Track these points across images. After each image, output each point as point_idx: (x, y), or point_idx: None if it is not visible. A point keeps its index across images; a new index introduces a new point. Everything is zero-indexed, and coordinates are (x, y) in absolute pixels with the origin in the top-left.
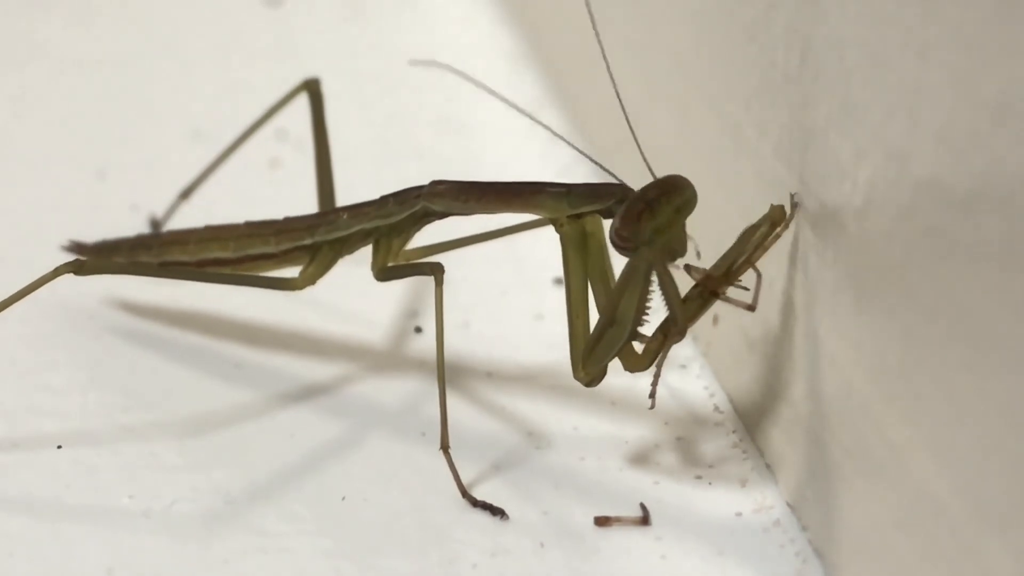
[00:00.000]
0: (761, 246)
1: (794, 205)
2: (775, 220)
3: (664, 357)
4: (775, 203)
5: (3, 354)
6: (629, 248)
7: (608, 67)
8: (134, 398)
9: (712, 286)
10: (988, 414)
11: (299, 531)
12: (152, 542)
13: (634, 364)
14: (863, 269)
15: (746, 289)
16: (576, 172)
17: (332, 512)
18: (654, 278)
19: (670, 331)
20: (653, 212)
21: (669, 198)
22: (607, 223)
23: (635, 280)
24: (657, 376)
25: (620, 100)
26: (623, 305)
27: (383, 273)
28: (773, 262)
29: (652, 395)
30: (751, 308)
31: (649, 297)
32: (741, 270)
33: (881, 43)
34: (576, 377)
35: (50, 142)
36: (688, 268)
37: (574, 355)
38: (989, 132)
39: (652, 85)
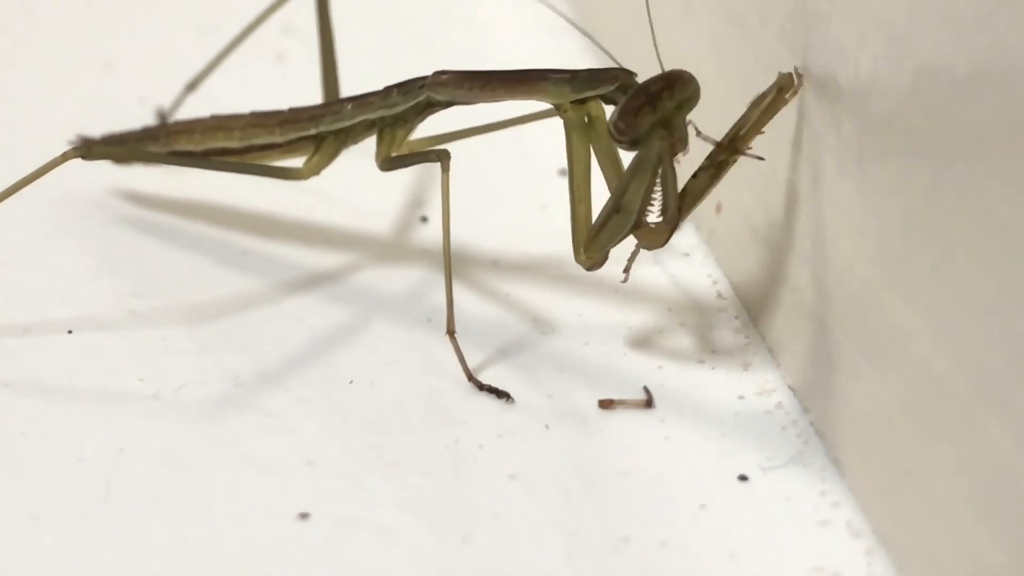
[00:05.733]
0: (769, 111)
1: (799, 76)
2: (783, 87)
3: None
4: (783, 71)
5: (13, 242)
6: (625, 140)
7: None
8: (143, 284)
9: (721, 155)
10: (988, 293)
11: (307, 413)
12: (162, 424)
13: (651, 242)
14: (865, 154)
15: (760, 159)
16: (580, 64)
17: (339, 395)
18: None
19: (665, 219)
20: (653, 107)
21: (671, 93)
22: (609, 110)
23: (643, 170)
24: (634, 254)
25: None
26: (629, 193)
27: (387, 163)
28: (776, 149)
29: (627, 269)
30: (761, 158)
31: (656, 186)
32: (749, 136)
33: None
34: (577, 260)
35: (57, 35)
36: (700, 135)
37: (576, 239)
38: (991, 12)
39: None
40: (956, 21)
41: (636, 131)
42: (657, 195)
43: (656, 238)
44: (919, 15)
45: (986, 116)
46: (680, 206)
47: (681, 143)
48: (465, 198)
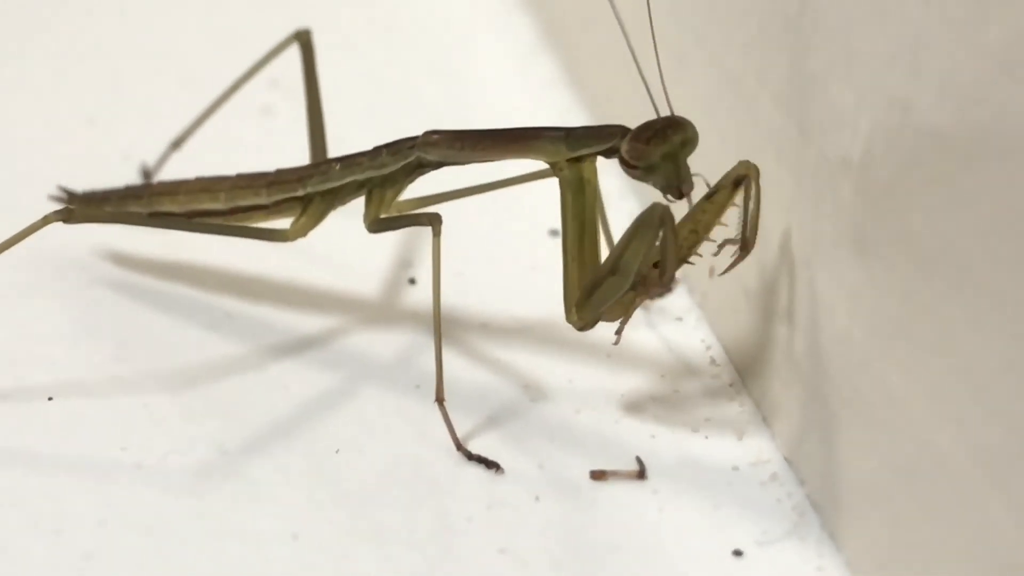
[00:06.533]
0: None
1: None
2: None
3: (637, 306)
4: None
5: None
6: (638, 169)
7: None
8: (126, 349)
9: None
10: (989, 366)
11: (293, 482)
12: (145, 494)
13: (612, 314)
14: (863, 219)
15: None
16: (571, 119)
17: (326, 464)
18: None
19: (653, 285)
20: (662, 138)
21: (675, 130)
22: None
23: (644, 232)
24: (627, 318)
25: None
26: (628, 255)
27: (376, 225)
28: (771, 211)
29: (618, 332)
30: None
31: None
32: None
33: None
34: (568, 320)
35: (41, 88)
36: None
37: (568, 299)
38: (994, 81)
39: (647, 33)
40: (957, 89)
41: (648, 159)
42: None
43: (617, 311)
44: (919, 82)
45: (989, 187)
46: (665, 275)
47: (687, 185)
48: (454, 257)
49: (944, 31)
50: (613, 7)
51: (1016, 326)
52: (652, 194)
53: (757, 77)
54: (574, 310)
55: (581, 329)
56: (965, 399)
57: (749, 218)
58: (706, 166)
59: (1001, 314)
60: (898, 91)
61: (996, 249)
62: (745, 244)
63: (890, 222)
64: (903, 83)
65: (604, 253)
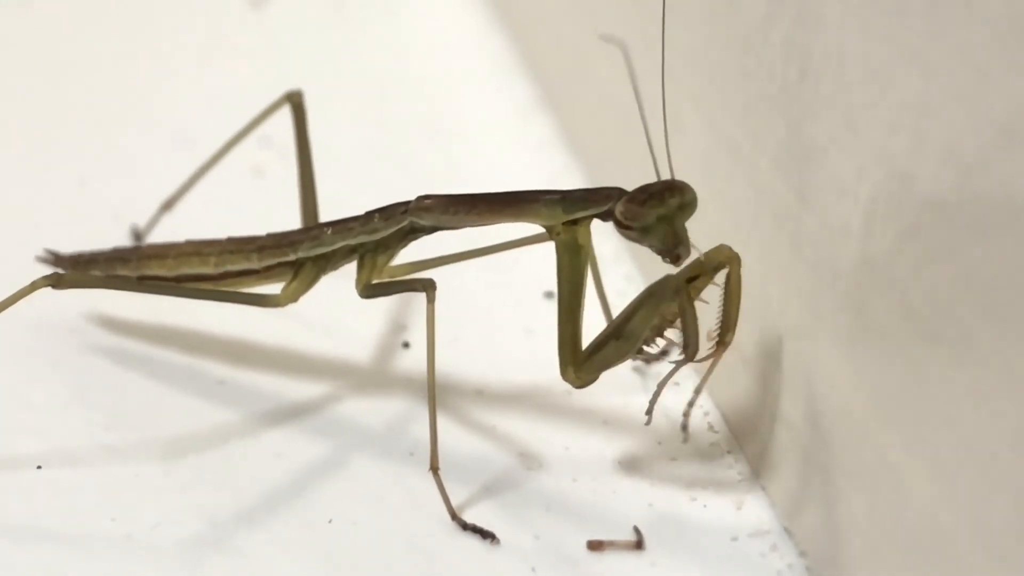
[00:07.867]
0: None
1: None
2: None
3: (668, 379)
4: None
5: None
6: (632, 230)
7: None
8: (116, 416)
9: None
10: (993, 442)
11: (285, 554)
12: (135, 566)
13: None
14: (864, 290)
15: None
16: (566, 180)
17: (319, 535)
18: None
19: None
20: (658, 200)
21: (672, 192)
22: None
23: (655, 301)
24: (657, 395)
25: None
26: (635, 322)
27: (368, 290)
28: (770, 278)
29: (649, 411)
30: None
31: (667, 322)
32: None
33: (884, 59)
34: (565, 378)
35: (30, 149)
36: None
37: (563, 358)
38: (997, 151)
39: (644, 95)
40: (960, 159)
41: (643, 220)
42: (663, 331)
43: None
44: (921, 151)
45: (993, 258)
46: (689, 346)
47: (685, 249)
48: (449, 322)
49: (946, 100)
50: (631, 74)
51: (1022, 401)
52: (650, 257)
53: (755, 143)
54: (570, 369)
55: (578, 387)
56: (968, 474)
57: (727, 314)
58: (703, 232)
59: (1006, 389)
60: (900, 160)
61: (1001, 322)
62: (722, 341)
63: (891, 292)
64: (905, 152)
65: (600, 315)
